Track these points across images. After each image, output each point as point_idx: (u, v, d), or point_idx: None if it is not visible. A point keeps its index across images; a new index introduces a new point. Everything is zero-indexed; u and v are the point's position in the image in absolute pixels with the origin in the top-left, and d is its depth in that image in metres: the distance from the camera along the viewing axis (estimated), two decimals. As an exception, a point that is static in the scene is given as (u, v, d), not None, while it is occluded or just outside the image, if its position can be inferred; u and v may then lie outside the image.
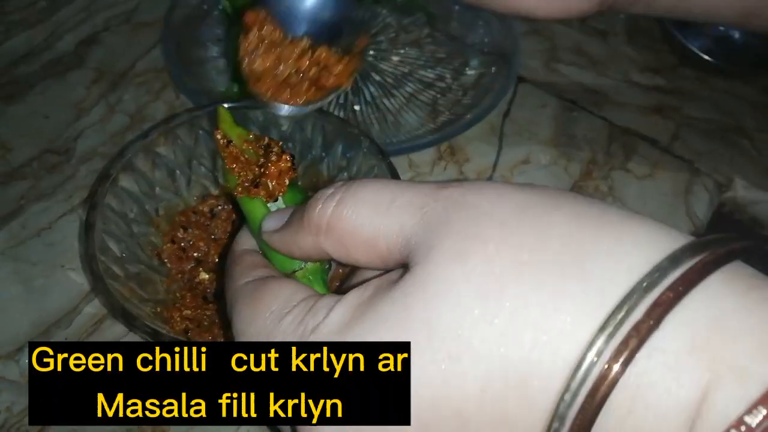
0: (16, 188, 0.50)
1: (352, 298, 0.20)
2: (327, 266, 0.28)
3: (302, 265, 0.27)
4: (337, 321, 0.20)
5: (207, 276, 0.43)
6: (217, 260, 0.43)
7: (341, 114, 0.56)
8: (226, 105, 0.42)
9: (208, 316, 0.41)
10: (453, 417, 0.17)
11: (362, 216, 0.21)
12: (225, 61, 0.58)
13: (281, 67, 0.31)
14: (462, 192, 0.20)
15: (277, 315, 0.22)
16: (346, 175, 0.42)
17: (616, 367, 0.16)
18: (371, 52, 0.61)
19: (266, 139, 0.30)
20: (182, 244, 0.43)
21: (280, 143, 0.30)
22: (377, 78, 0.60)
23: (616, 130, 0.59)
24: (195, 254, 0.44)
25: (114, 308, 0.35)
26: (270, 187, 0.29)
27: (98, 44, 0.60)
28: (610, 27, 0.67)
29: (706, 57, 0.63)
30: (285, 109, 0.32)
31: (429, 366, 0.18)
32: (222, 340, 0.40)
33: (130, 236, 0.41)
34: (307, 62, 0.32)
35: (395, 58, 0.61)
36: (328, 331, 0.20)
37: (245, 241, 0.29)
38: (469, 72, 0.60)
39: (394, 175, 0.39)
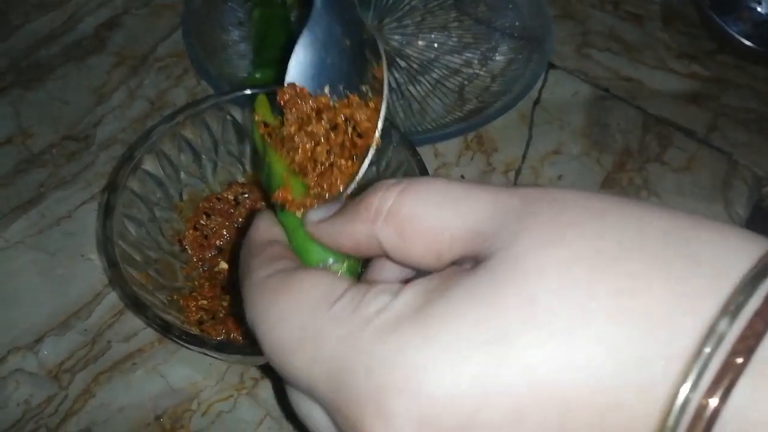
0: (35, 175, 0.49)
1: (420, 284, 0.19)
2: (359, 269, 0.26)
3: (331, 262, 0.25)
4: (408, 303, 0.18)
5: (227, 266, 0.42)
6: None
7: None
8: (248, 91, 0.41)
9: (224, 307, 0.40)
10: (556, 405, 0.16)
11: (429, 205, 0.20)
12: (247, 46, 0.56)
13: (318, 150, 0.28)
14: (540, 190, 0.19)
15: (323, 302, 0.19)
16: (375, 169, 0.40)
17: (742, 351, 0.14)
18: (396, 37, 0.59)
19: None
20: (204, 231, 0.42)
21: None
22: (402, 64, 0.58)
23: (651, 120, 0.56)
24: (217, 242, 0.43)
25: (127, 296, 0.34)
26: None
27: (119, 28, 0.59)
28: (645, 11, 0.65)
29: (747, 42, 0.60)
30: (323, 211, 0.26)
31: (529, 345, 0.16)
32: (235, 334, 0.39)
33: (151, 221, 0.40)
34: (340, 131, 0.28)
35: (421, 43, 0.60)
36: (398, 314, 0.18)
37: (267, 230, 0.26)
38: (498, 58, 0.58)
39: (423, 172, 0.37)
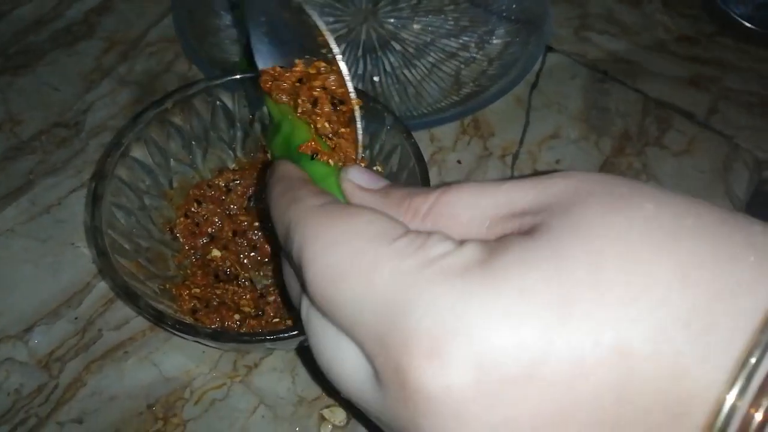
0: (25, 163, 0.48)
1: (479, 241, 0.18)
2: None
3: None
4: (474, 253, 0.18)
5: (219, 254, 0.41)
6: (231, 236, 0.42)
7: (359, 86, 0.54)
8: (238, 76, 0.40)
9: (218, 295, 0.39)
10: (617, 366, 0.15)
11: (466, 196, 0.20)
12: (238, 31, 0.55)
13: (320, 127, 0.29)
14: (581, 172, 0.19)
15: (383, 235, 0.19)
16: (368, 153, 0.40)
17: None
18: (391, 20, 0.58)
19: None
20: (196, 219, 0.41)
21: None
22: (397, 47, 0.57)
23: (651, 103, 0.55)
24: (209, 230, 0.42)
25: (117, 285, 0.33)
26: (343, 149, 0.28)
27: (108, 12, 0.58)
28: (645, -7, 0.64)
29: (748, 24, 0.59)
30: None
31: (596, 305, 0.16)
32: (229, 323, 0.38)
33: (141, 209, 0.39)
34: (323, 102, 0.29)
35: (416, 26, 0.59)
36: (466, 260, 0.17)
37: (299, 171, 0.26)
38: (495, 41, 0.57)
39: (418, 156, 0.36)
